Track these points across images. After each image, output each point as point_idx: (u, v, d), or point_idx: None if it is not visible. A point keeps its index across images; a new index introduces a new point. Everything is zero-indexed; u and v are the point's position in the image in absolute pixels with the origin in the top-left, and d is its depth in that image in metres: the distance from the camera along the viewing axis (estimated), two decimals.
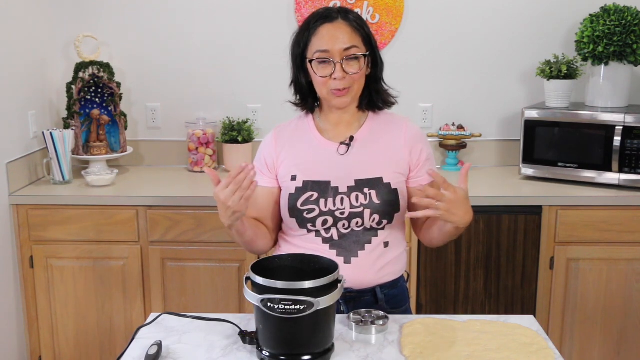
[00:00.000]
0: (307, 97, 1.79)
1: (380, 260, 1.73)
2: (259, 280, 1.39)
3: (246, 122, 3.11)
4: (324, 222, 1.70)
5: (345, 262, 1.70)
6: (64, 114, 3.09)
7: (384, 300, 1.75)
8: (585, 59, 2.87)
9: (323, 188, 1.71)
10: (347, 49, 1.67)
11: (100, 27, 3.14)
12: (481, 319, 1.64)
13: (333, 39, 1.67)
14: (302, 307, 1.36)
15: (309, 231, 1.72)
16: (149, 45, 3.17)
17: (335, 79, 1.67)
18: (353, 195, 1.69)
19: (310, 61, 1.69)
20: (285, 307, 1.36)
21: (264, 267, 1.48)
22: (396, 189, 1.72)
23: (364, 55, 1.70)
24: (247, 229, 1.69)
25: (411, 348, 1.48)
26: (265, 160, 1.80)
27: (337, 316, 1.55)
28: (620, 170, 2.70)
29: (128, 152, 3.12)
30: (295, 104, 1.82)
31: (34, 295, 2.76)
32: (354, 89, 1.71)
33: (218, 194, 1.55)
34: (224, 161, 3.13)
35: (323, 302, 1.38)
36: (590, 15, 2.86)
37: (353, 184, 1.71)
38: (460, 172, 1.60)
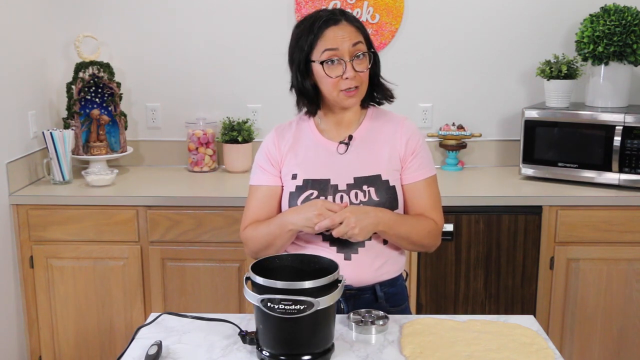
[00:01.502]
0: (312, 101, 1.78)
1: (380, 258, 1.74)
2: (259, 280, 1.39)
3: (246, 122, 3.11)
4: None
5: (345, 259, 1.71)
6: (64, 114, 3.09)
7: (384, 298, 1.75)
8: (585, 59, 2.86)
9: (323, 186, 1.71)
10: (355, 44, 1.68)
11: (100, 27, 3.13)
12: (481, 319, 1.64)
13: (340, 38, 1.68)
14: (302, 307, 1.36)
15: None
16: (149, 45, 3.17)
17: (347, 78, 1.68)
18: (352, 192, 1.70)
19: (321, 63, 1.69)
20: (285, 307, 1.36)
21: (264, 267, 1.48)
22: (394, 186, 1.73)
23: (369, 53, 1.72)
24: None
25: (411, 348, 1.48)
26: (269, 158, 1.80)
27: (337, 316, 1.55)
28: (620, 170, 2.70)
29: (128, 152, 3.12)
30: (306, 110, 1.79)
31: (34, 295, 2.76)
32: (362, 88, 1.73)
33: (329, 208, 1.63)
34: (224, 161, 3.13)
35: (323, 302, 1.38)
36: (590, 15, 2.86)
37: (352, 181, 1.71)
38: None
